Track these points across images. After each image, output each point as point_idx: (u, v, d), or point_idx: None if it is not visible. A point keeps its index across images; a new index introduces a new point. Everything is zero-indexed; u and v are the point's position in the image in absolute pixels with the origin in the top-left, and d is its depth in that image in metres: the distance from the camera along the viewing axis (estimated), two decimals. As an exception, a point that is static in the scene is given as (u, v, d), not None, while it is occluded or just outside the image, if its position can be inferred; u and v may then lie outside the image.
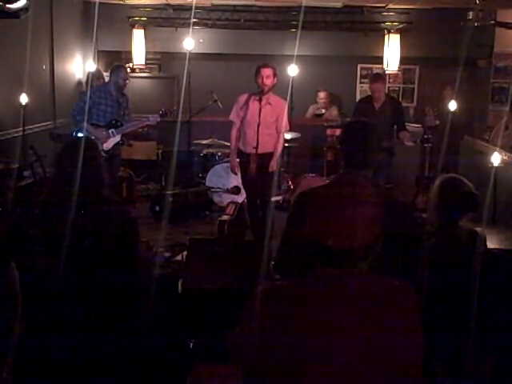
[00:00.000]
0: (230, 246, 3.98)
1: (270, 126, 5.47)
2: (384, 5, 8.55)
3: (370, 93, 6.66)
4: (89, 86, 7.80)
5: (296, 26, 7.70)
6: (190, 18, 8.00)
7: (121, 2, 8.54)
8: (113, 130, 5.94)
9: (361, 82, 9.33)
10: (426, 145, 6.57)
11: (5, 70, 6.16)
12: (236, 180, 6.55)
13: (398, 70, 9.16)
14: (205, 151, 7.62)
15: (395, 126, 6.45)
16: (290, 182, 7.47)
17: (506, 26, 7.44)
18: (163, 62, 9.38)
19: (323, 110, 8.86)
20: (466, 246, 2.84)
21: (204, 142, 7.58)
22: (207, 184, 7.13)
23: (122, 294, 2.10)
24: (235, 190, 6.77)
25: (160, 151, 8.13)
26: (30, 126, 6.32)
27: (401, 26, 8.87)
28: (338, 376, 1.51)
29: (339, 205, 1.57)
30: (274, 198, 5.68)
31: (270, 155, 5.47)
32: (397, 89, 9.38)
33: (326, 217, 1.56)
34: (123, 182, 6.84)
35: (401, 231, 2.37)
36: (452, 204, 2.90)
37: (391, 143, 6.34)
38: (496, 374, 2.83)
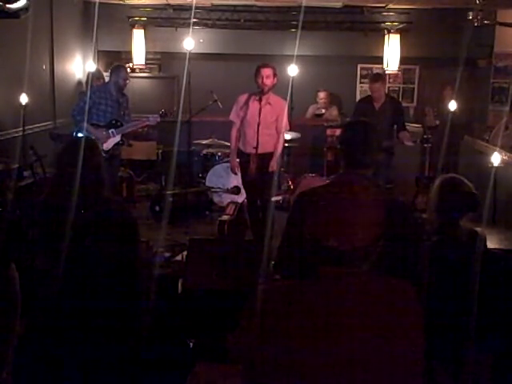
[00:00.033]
0: (230, 246, 3.98)
1: (270, 126, 5.47)
2: (384, 5, 8.55)
3: (370, 93, 6.66)
4: (89, 86, 7.80)
5: (296, 26, 7.71)
6: (190, 18, 8.00)
7: (121, 2, 8.54)
8: (113, 130, 5.94)
9: (361, 82, 9.33)
10: (425, 145, 6.56)
11: (5, 70, 6.16)
12: (236, 180, 6.55)
13: (398, 70, 9.16)
14: (205, 151, 7.62)
15: (395, 126, 6.46)
16: (290, 182, 7.47)
17: (506, 25, 7.44)
18: (163, 61, 9.39)
19: (323, 110, 8.86)
20: (466, 246, 2.84)
21: (204, 142, 7.58)
22: (207, 184, 7.13)
23: (121, 294, 2.10)
24: (235, 190, 6.77)
25: (160, 151, 8.13)
26: (30, 126, 6.32)
27: (401, 25, 8.87)
28: (338, 376, 1.51)
29: (340, 205, 1.57)
30: (274, 198, 5.68)
31: (270, 155, 5.47)
32: (397, 89, 9.38)
33: (327, 217, 1.56)
34: (123, 182, 6.84)
35: (401, 231, 2.36)
36: (452, 204, 2.90)
37: (391, 143, 6.34)
38: (495, 373, 2.83)
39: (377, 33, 8.99)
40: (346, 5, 8.42)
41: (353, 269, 1.57)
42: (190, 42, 7.06)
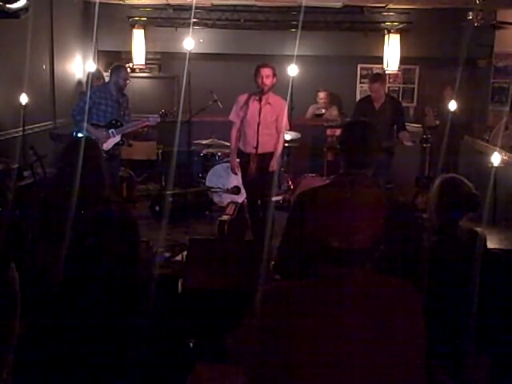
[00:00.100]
0: (230, 246, 3.98)
1: (270, 126, 5.47)
2: (384, 5, 8.55)
3: (369, 93, 6.66)
4: (89, 86, 7.80)
5: (296, 26, 7.70)
6: (190, 18, 8.00)
7: (121, 2, 8.54)
8: (113, 130, 5.93)
9: (361, 82, 9.33)
10: (424, 145, 6.57)
11: (5, 70, 6.16)
12: (236, 180, 6.55)
13: (398, 70, 9.16)
14: (205, 151, 7.62)
15: (395, 126, 6.46)
16: (290, 182, 7.47)
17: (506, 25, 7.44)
18: (163, 61, 9.38)
19: (323, 110, 8.86)
20: (466, 245, 2.84)
21: (204, 142, 7.58)
22: (207, 184, 7.13)
23: (121, 294, 2.10)
24: (235, 190, 6.78)
25: (160, 151, 8.13)
26: (30, 126, 6.32)
27: (401, 25, 8.87)
28: (339, 376, 1.51)
29: (341, 205, 1.57)
30: (274, 198, 5.68)
31: (270, 155, 5.47)
32: (397, 89, 9.39)
33: (328, 217, 1.56)
34: (123, 182, 6.84)
35: (401, 231, 2.36)
36: (452, 204, 2.90)
37: (391, 143, 6.34)
38: (495, 373, 2.83)
39: (377, 33, 8.99)
40: (346, 5, 8.41)
41: (353, 269, 1.57)
42: (190, 42, 7.06)
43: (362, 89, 9.21)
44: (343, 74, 9.22)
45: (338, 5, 8.34)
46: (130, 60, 8.95)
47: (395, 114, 6.42)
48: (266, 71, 5.35)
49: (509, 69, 8.04)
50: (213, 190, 7.01)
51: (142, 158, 8.28)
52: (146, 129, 7.36)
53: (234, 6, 8.74)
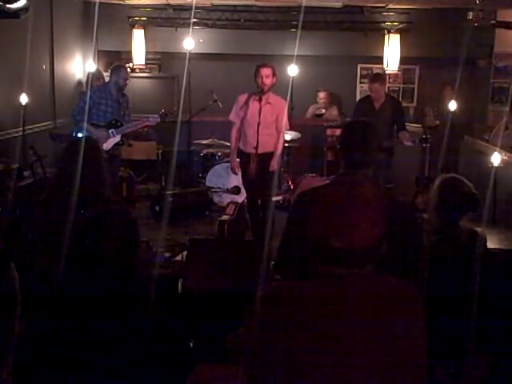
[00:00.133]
0: (230, 246, 3.98)
1: (270, 126, 5.47)
2: (384, 5, 8.55)
3: (369, 93, 6.66)
4: (89, 86, 7.80)
5: (296, 26, 7.70)
6: (190, 18, 8.00)
7: (121, 2, 8.54)
8: (113, 130, 5.94)
9: (361, 82, 9.34)
10: (424, 145, 6.57)
11: (5, 70, 6.16)
12: (236, 180, 6.55)
13: (398, 70, 9.16)
14: (205, 151, 7.62)
15: (395, 126, 6.46)
16: (290, 182, 7.47)
17: (506, 25, 7.43)
18: (163, 61, 9.39)
19: (323, 110, 8.87)
20: (466, 246, 2.84)
21: (204, 142, 7.58)
22: (207, 184, 7.13)
23: (121, 295, 2.10)
24: (235, 190, 6.77)
25: (160, 151, 8.13)
26: (30, 126, 6.32)
27: (401, 25, 8.88)
28: (340, 377, 1.51)
29: (341, 205, 1.57)
30: (274, 198, 5.68)
31: (271, 155, 5.47)
32: (397, 89, 9.39)
33: (329, 217, 1.56)
34: (123, 182, 6.84)
35: (401, 231, 2.36)
36: (452, 204, 2.90)
37: (391, 143, 6.34)
38: (494, 373, 2.83)
39: (377, 33, 8.99)
40: (346, 5, 8.41)
41: (354, 269, 1.57)
42: (190, 42, 7.07)
43: (362, 89, 9.21)
44: (343, 74, 9.22)
45: (338, 5, 8.35)
46: (130, 60, 8.96)
47: (395, 113, 6.42)
48: (265, 71, 5.35)
49: (509, 69, 8.04)
50: (213, 190, 7.01)
51: (142, 157, 8.28)
52: (146, 129, 7.36)
53: (234, 6, 8.75)
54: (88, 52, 8.63)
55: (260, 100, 5.37)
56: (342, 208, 1.56)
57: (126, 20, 8.87)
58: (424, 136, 6.48)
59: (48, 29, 7.37)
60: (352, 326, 1.52)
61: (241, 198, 6.49)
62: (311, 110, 8.95)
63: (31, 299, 2.37)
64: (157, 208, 6.53)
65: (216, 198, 7.04)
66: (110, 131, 5.92)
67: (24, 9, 4.84)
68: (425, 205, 4.68)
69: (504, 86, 8.11)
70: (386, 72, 9.00)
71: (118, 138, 5.97)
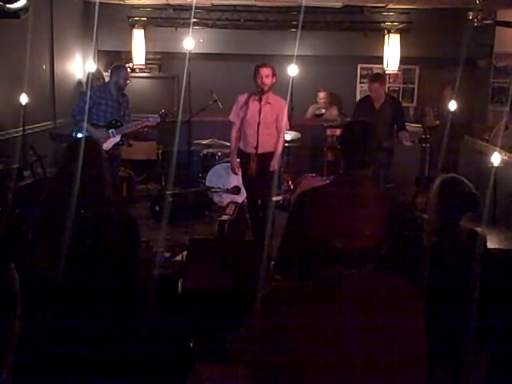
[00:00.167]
0: (230, 246, 3.98)
1: (270, 126, 5.47)
2: (384, 5, 8.55)
3: (369, 93, 6.66)
4: (89, 86, 7.80)
5: (296, 26, 7.71)
6: (190, 18, 8.00)
7: (121, 2, 8.54)
8: (113, 130, 5.93)
9: (361, 82, 9.34)
10: (424, 145, 6.57)
11: (5, 70, 6.16)
12: (236, 180, 6.55)
13: (398, 70, 9.16)
14: (205, 151, 7.62)
15: (395, 126, 6.46)
16: (290, 182, 7.47)
17: (507, 24, 7.43)
18: (163, 61, 9.39)
19: (323, 110, 8.87)
20: (466, 245, 2.84)
21: (204, 142, 7.58)
22: (207, 184, 7.13)
23: (121, 295, 2.10)
24: (235, 190, 6.77)
25: (160, 151, 8.13)
26: (30, 126, 6.32)
27: (401, 25, 8.88)
28: (340, 377, 1.51)
29: (342, 205, 1.57)
30: (274, 198, 5.68)
31: (271, 155, 5.47)
32: (397, 89, 9.39)
33: (329, 217, 1.56)
34: (123, 182, 6.84)
35: (401, 231, 2.37)
36: (452, 204, 2.90)
37: (391, 143, 6.34)
38: (494, 373, 2.83)
39: (377, 33, 8.99)
40: (346, 5, 8.41)
41: (354, 269, 1.57)
42: (190, 42, 7.07)
43: (362, 89, 9.21)
44: (343, 73, 9.22)
45: (338, 5, 8.35)
46: (129, 60, 8.95)
47: (395, 113, 6.42)
48: (265, 71, 5.35)
49: (509, 69, 8.04)
50: (213, 190, 7.01)
51: (142, 158, 8.28)
52: (146, 129, 7.36)
53: (234, 6, 8.75)
54: (88, 52, 8.63)
55: (260, 100, 5.36)
56: (342, 208, 1.56)
57: (125, 20, 8.87)
58: (424, 136, 6.48)
59: (48, 29, 7.37)
60: (352, 325, 1.52)
61: (241, 197, 6.49)
62: (311, 110, 8.95)
63: (31, 299, 2.37)
64: (157, 208, 6.53)
65: (216, 198, 7.04)
66: (109, 131, 5.92)
67: (24, 9, 4.84)
68: (425, 205, 4.68)
69: (504, 85, 8.12)
70: (386, 72, 9.00)
71: (117, 138, 5.97)
